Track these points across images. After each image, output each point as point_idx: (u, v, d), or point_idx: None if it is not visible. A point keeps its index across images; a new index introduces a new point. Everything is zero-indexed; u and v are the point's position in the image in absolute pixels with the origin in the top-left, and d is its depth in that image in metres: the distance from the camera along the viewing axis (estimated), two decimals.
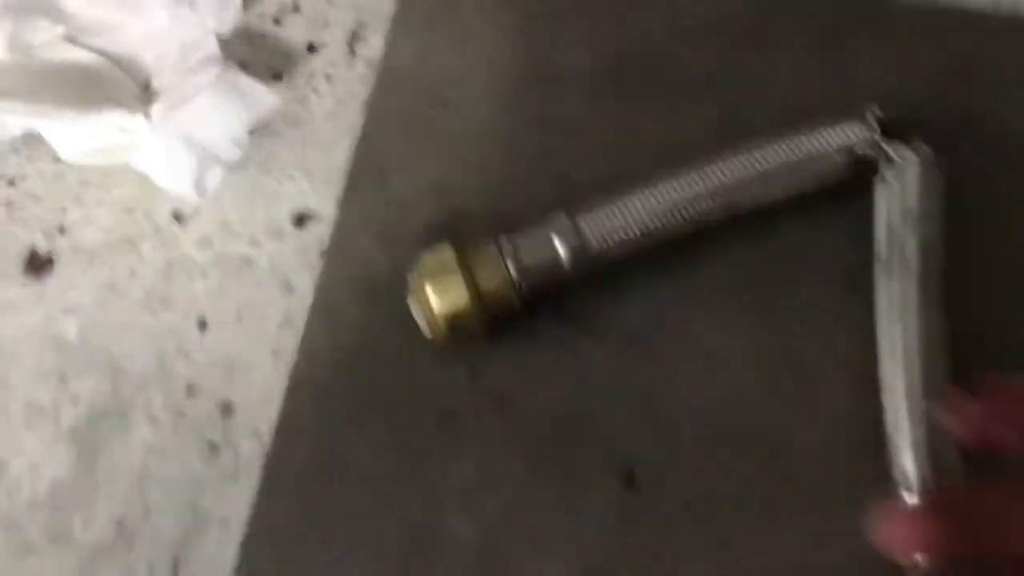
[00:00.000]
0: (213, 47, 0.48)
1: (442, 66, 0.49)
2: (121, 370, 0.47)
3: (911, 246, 0.41)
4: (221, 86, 0.44)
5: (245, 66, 0.51)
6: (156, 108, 0.46)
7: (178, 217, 0.49)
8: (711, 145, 0.45)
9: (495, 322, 0.44)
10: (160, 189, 0.49)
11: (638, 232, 0.44)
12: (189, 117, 0.44)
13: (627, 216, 0.44)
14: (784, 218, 0.45)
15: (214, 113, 0.44)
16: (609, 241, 0.44)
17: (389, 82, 0.49)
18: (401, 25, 0.50)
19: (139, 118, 0.46)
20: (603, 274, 0.45)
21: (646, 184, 0.44)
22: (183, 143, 0.44)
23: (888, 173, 0.43)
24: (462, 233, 0.46)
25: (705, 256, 0.46)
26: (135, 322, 0.48)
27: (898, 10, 0.49)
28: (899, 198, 0.42)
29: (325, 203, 0.48)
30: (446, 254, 0.43)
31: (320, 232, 0.48)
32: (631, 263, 0.45)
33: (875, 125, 0.43)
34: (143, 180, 0.49)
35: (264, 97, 0.45)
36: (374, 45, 0.51)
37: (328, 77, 0.51)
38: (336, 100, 0.50)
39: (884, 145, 0.43)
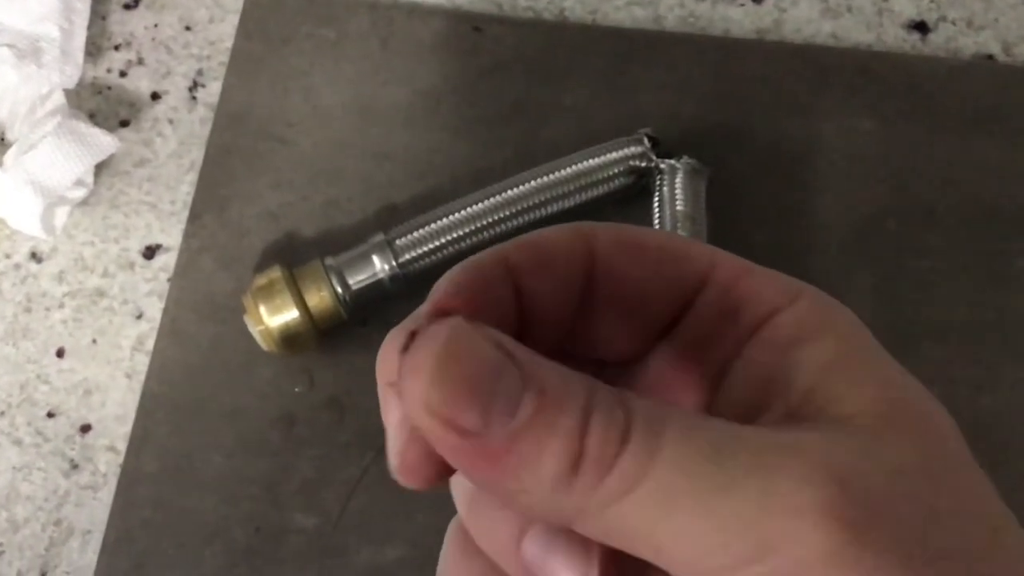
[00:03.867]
0: (60, 99, 0.52)
1: (273, 106, 0.54)
2: None
3: None
4: (63, 133, 0.49)
5: (94, 115, 0.55)
6: (7, 156, 0.51)
7: (36, 256, 0.53)
8: (516, 167, 0.51)
9: (327, 333, 0.50)
10: (18, 231, 0.53)
11: (449, 248, 0.49)
12: (35, 162, 0.49)
13: (438, 234, 0.49)
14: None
15: (58, 157, 0.48)
16: (422, 257, 0.49)
17: (226, 122, 0.54)
18: (235, 71, 0.55)
19: None
20: (424, 283, 0.50)
21: (454, 204, 0.50)
22: (31, 186, 0.49)
23: (660, 183, 0.49)
24: (295, 255, 0.51)
25: None
26: None
27: (669, 40, 0.55)
28: (669, 203, 0.49)
29: (171, 234, 0.53)
30: (274, 274, 0.48)
31: (167, 261, 0.53)
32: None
33: (648, 144, 0.50)
34: (1, 224, 0.53)
35: (103, 141, 0.50)
36: (212, 91, 0.56)
37: (171, 121, 0.55)
38: (179, 141, 0.55)
39: (656, 159, 0.49)
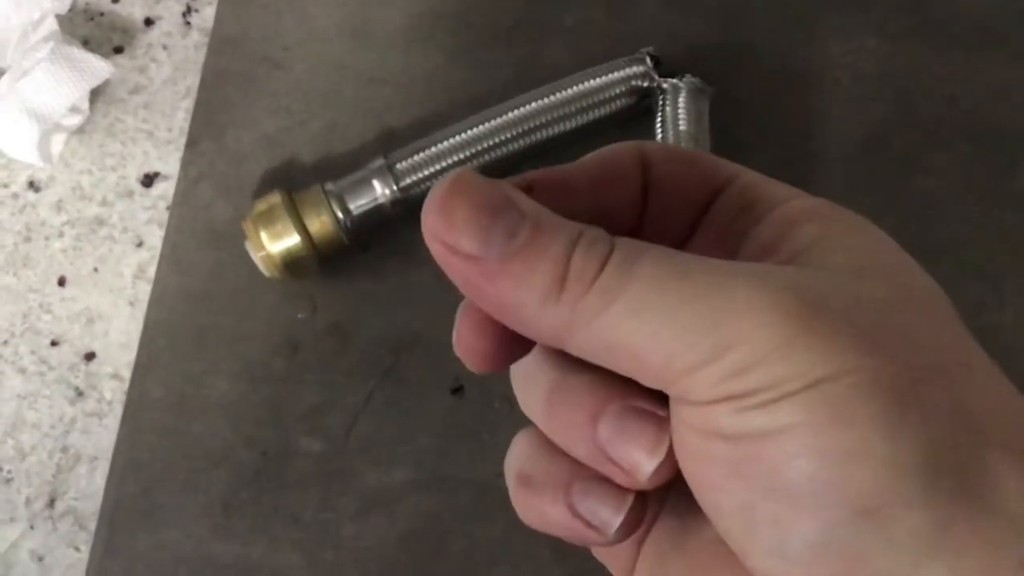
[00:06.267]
0: (53, 25, 0.51)
1: (268, 29, 0.54)
2: None
3: None
4: (56, 58, 0.48)
5: (88, 42, 0.55)
6: (1, 83, 0.50)
7: (33, 185, 0.53)
8: (515, 89, 0.50)
9: (328, 259, 0.49)
10: (15, 161, 0.53)
11: (451, 171, 0.49)
12: (29, 88, 0.48)
13: (439, 158, 0.49)
14: (580, 147, 0.50)
15: (52, 83, 0.48)
16: (423, 181, 0.49)
17: (221, 47, 0.53)
18: None
19: None
20: None
21: (455, 127, 0.49)
22: (26, 114, 0.48)
23: (662, 103, 0.49)
24: (294, 181, 0.51)
25: None
26: None
27: None
28: (671, 123, 0.48)
29: (169, 162, 0.53)
30: (274, 200, 0.48)
31: (166, 189, 0.52)
32: None
33: (650, 63, 0.49)
34: None
35: (97, 66, 0.49)
36: (206, 15, 0.55)
37: (165, 47, 0.55)
38: (173, 67, 0.54)
39: (658, 79, 0.49)
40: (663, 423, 0.21)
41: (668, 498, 0.24)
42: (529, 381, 0.24)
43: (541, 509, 0.23)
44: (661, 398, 0.21)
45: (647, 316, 0.19)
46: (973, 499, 0.18)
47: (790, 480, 0.19)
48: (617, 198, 0.24)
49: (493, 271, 0.20)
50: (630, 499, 0.22)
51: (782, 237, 0.22)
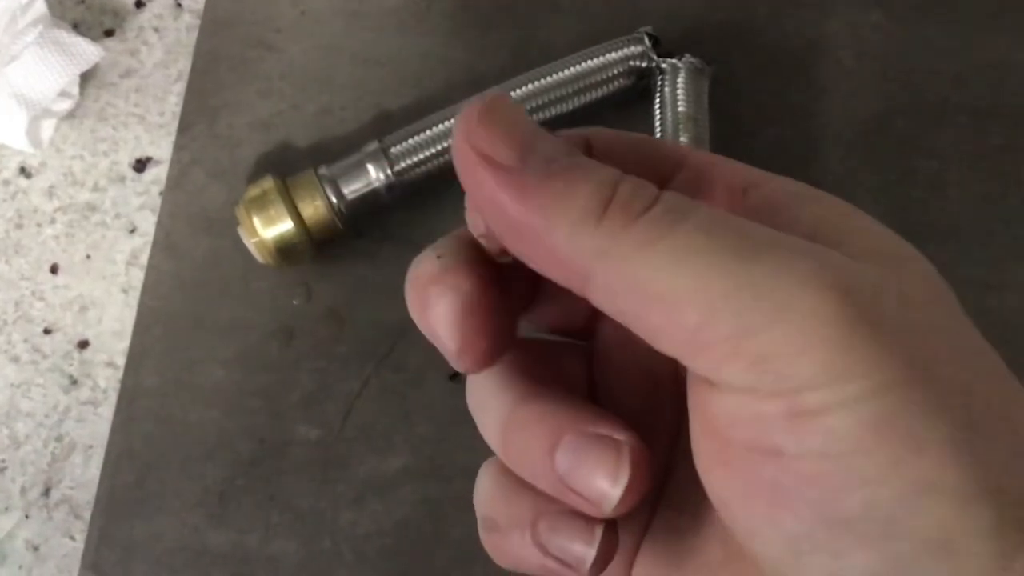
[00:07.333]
0: (42, 8, 0.51)
1: (260, 11, 0.53)
2: None
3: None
4: (46, 43, 0.47)
5: (77, 25, 0.54)
6: None
7: (24, 171, 0.52)
8: (511, 71, 0.49)
9: (323, 244, 0.49)
10: (6, 147, 0.52)
11: (446, 155, 0.48)
12: (18, 73, 0.47)
13: (433, 141, 0.48)
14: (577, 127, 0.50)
15: (41, 68, 0.47)
16: (418, 165, 0.48)
17: (213, 30, 0.53)
18: None
19: None
20: (421, 192, 0.49)
21: (451, 110, 0.48)
22: (15, 99, 0.47)
23: (661, 83, 0.48)
24: (288, 165, 0.50)
25: None
26: None
27: None
28: (670, 104, 0.47)
29: (161, 147, 0.52)
30: (267, 184, 0.47)
31: (159, 174, 0.52)
32: (446, 181, 0.50)
33: (648, 43, 0.48)
34: None
35: (87, 50, 0.48)
36: None
37: (157, 30, 0.54)
38: (165, 50, 0.53)
39: (656, 59, 0.48)
40: (622, 447, 0.20)
41: (655, 519, 0.23)
42: (483, 411, 0.23)
43: (512, 552, 0.22)
44: (618, 422, 0.20)
45: (694, 264, 0.17)
46: None
47: (849, 510, 0.17)
48: None
49: (529, 185, 0.18)
50: (600, 530, 0.20)
51: (777, 226, 0.20)
